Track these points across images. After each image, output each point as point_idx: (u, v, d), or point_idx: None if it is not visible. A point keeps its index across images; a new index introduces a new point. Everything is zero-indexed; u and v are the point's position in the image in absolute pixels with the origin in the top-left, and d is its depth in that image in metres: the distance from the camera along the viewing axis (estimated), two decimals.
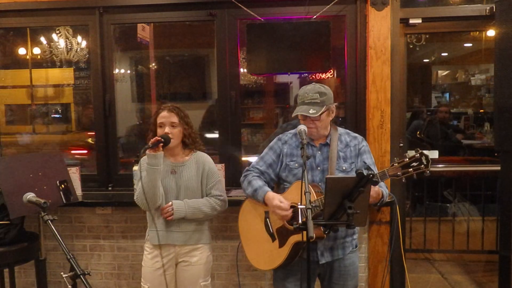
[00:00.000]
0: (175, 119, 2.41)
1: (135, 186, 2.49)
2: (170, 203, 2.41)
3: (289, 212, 2.15)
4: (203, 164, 2.52)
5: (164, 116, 2.41)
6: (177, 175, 2.48)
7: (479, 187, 4.39)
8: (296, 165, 2.27)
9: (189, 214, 2.42)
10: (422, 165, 1.96)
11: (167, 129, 2.39)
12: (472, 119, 6.69)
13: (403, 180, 2.05)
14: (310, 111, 2.15)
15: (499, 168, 3.22)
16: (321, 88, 2.22)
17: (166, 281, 2.46)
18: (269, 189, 2.27)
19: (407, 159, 2.00)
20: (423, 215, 4.47)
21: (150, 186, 2.34)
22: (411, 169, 1.98)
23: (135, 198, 2.46)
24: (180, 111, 2.46)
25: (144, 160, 2.41)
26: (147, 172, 2.33)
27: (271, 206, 2.21)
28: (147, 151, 2.31)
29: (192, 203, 2.44)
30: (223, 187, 2.60)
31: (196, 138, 2.54)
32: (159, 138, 2.32)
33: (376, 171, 2.16)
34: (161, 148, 2.33)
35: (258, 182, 2.30)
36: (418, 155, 1.97)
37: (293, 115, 2.24)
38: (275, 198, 2.19)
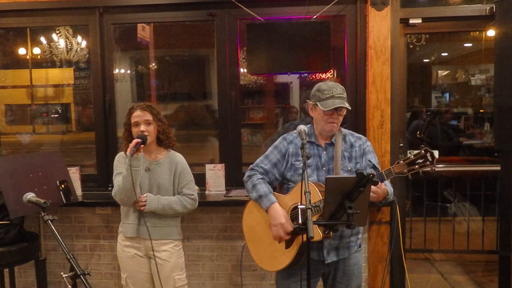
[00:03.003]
0: (149, 116, 2.51)
1: (115, 184, 2.54)
2: (145, 195, 2.51)
3: (286, 237, 2.16)
4: (176, 164, 2.61)
5: (138, 115, 2.51)
6: (151, 172, 2.57)
7: (479, 187, 4.39)
8: (302, 164, 2.27)
9: (159, 209, 2.52)
10: (428, 162, 1.97)
11: (142, 127, 2.48)
12: (472, 119, 6.69)
13: (410, 177, 2.06)
14: (346, 104, 2.18)
15: (499, 168, 3.22)
16: (341, 85, 2.27)
17: (154, 268, 2.57)
18: (275, 200, 2.24)
19: (412, 156, 2.00)
20: (423, 215, 4.46)
21: (130, 185, 2.42)
22: (416, 166, 1.99)
23: (113, 193, 2.53)
24: (153, 109, 2.56)
25: (119, 158, 2.59)
26: (127, 172, 2.42)
27: (276, 221, 2.18)
28: (127, 153, 2.41)
29: (164, 199, 2.54)
30: (194, 187, 2.70)
31: (169, 134, 2.64)
32: (138, 140, 2.40)
33: (380, 169, 2.16)
34: (141, 150, 2.44)
35: (263, 188, 2.27)
36: (423, 152, 1.98)
37: (326, 108, 2.17)
38: (282, 216, 2.17)
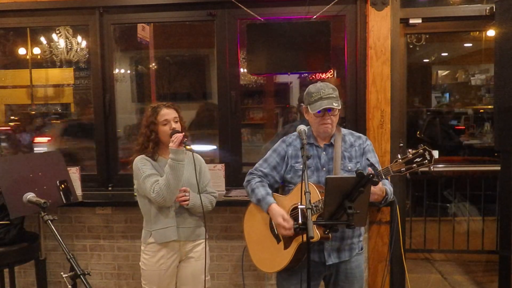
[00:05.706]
0: (175, 114, 2.49)
1: (150, 185, 2.39)
2: (188, 189, 2.45)
3: (290, 232, 2.16)
4: (200, 162, 2.62)
5: (167, 113, 2.46)
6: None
7: (479, 187, 4.39)
8: (301, 166, 2.25)
9: (197, 205, 2.46)
10: (426, 161, 1.96)
11: (173, 124, 2.44)
12: (472, 119, 6.69)
13: (408, 176, 2.05)
14: (334, 104, 2.16)
15: (499, 168, 3.22)
16: (331, 85, 2.24)
17: (176, 278, 2.55)
18: (273, 201, 2.25)
19: (411, 155, 2.00)
20: (423, 215, 4.47)
21: (175, 181, 2.36)
22: (414, 165, 1.98)
23: (154, 195, 2.36)
24: (177, 106, 2.54)
25: (143, 160, 2.46)
26: (172, 168, 2.34)
27: (274, 222, 2.22)
28: (174, 147, 2.34)
29: (201, 196, 2.48)
30: None
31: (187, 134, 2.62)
32: (183, 133, 2.39)
33: (379, 168, 2.16)
34: (183, 144, 2.38)
35: (261, 192, 2.29)
36: (421, 150, 1.98)
37: (315, 111, 2.17)
38: (278, 216, 2.19)
